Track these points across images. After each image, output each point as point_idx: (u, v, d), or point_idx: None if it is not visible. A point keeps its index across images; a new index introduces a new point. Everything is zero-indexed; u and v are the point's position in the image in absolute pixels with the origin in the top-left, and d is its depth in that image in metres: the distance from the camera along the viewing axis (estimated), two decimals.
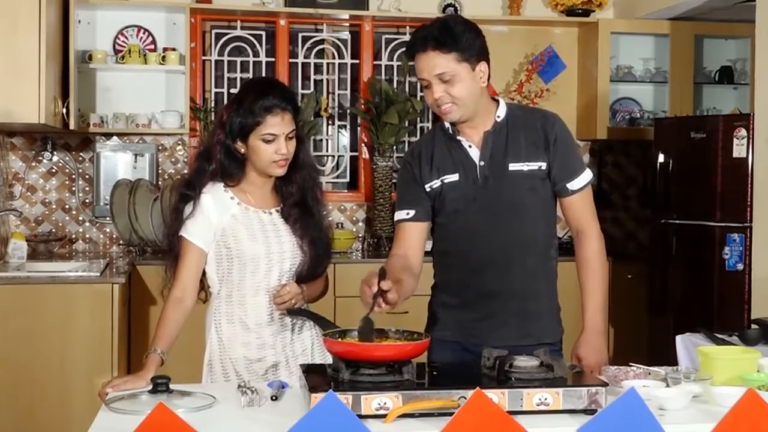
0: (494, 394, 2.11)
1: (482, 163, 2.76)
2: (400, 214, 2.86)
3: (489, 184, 2.75)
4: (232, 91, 5.73)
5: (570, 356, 2.79)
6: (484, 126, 2.78)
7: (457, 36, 2.66)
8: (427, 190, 2.82)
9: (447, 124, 2.81)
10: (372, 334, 2.35)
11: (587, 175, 2.82)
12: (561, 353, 2.82)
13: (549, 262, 2.84)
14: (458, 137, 2.79)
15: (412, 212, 2.84)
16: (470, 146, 2.78)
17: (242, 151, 2.75)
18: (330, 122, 6.03)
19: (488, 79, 2.76)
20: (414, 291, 2.75)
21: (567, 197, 2.80)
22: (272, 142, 2.72)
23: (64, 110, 5.09)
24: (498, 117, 2.79)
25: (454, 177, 2.78)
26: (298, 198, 2.83)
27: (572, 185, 2.79)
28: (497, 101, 2.82)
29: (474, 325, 2.79)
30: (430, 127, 6.08)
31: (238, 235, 2.75)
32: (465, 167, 2.78)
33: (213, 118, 2.97)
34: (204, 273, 2.81)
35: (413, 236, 2.85)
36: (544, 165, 2.76)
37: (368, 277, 2.52)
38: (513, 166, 2.75)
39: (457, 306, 2.83)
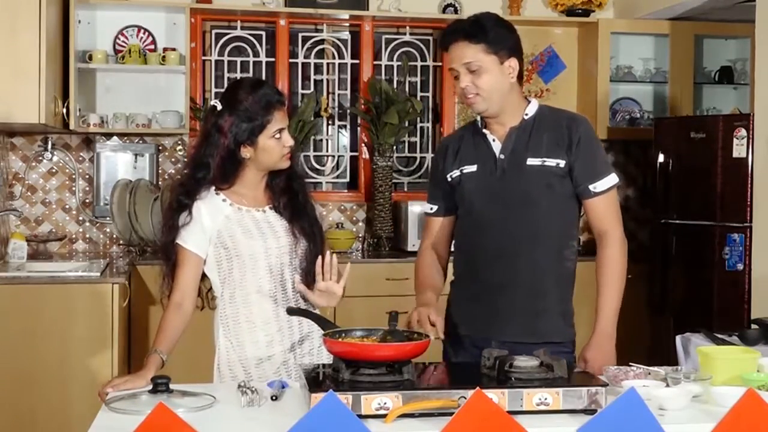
0: (494, 394, 2.11)
1: (502, 157, 2.80)
2: (425, 207, 3.04)
3: (506, 177, 2.79)
4: None
5: (578, 358, 2.79)
6: (512, 122, 2.82)
7: (487, 28, 2.74)
8: (449, 180, 2.90)
9: (478, 119, 2.87)
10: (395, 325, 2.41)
11: (612, 179, 2.82)
12: (573, 355, 2.82)
13: (563, 262, 2.83)
14: (484, 131, 2.84)
15: (435, 207, 3.00)
16: (494, 140, 2.83)
17: (248, 156, 2.75)
18: (330, 122, 6.03)
19: (519, 77, 2.80)
20: (444, 282, 2.99)
21: (590, 199, 2.80)
22: (280, 138, 2.74)
23: (64, 110, 5.10)
24: (526, 115, 2.82)
25: (473, 168, 2.84)
26: (284, 184, 2.84)
27: (595, 187, 2.79)
28: (529, 100, 2.86)
29: (481, 320, 2.81)
30: (430, 128, 6.11)
31: (234, 235, 2.76)
32: (484, 159, 2.82)
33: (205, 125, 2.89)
34: (206, 279, 2.82)
35: (437, 229, 3.00)
36: (563, 163, 2.77)
37: (421, 317, 2.70)
38: (531, 161, 2.78)
39: (467, 299, 2.87)
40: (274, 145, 2.74)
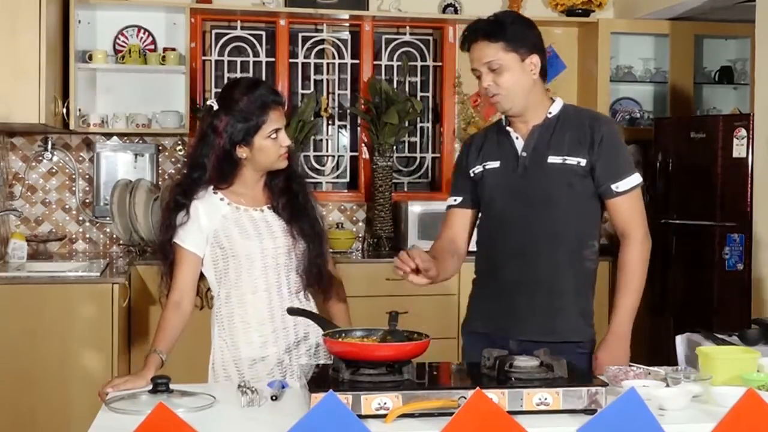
0: (494, 394, 2.11)
1: (524, 154, 2.80)
2: (449, 200, 3.01)
3: (527, 175, 2.79)
4: None
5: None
6: (536, 120, 2.82)
7: (505, 26, 2.74)
8: (471, 175, 2.90)
9: (503, 117, 2.88)
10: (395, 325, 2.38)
11: (635, 178, 2.80)
12: (590, 355, 2.81)
13: (583, 262, 2.81)
14: (508, 128, 2.85)
15: (459, 199, 2.97)
16: (517, 138, 2.83)
17: (244, 156, 2.75)
18: (330, 122, 6.03)
19: (543, 74, 2.80)
20: (456, 272, 2.92)
21: (612, 199, 2.78)
22: (276, 138, 2.74)
23: (64, 110, 5.09)
24: (549, 113, 2.82)
25: (496, 164, 2.85)
26: (283, 184, 2.84)
27: (617, 187, 2.77)
28: (553, 99, 2.87)
29: (500, 317, 2.80)
30: (430, 128, 6.12)
31: (230, 234, 2.76)
32: (507, 156, 2.83)
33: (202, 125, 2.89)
34: (205, 279, 2.82)
35: (459, 222, 2.97)
36: (584, 162, 2.76)
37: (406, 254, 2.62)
38: (552, 159, 2.77)
39: (486, 296, 2.87)
40: (270, 145, 2.74)
